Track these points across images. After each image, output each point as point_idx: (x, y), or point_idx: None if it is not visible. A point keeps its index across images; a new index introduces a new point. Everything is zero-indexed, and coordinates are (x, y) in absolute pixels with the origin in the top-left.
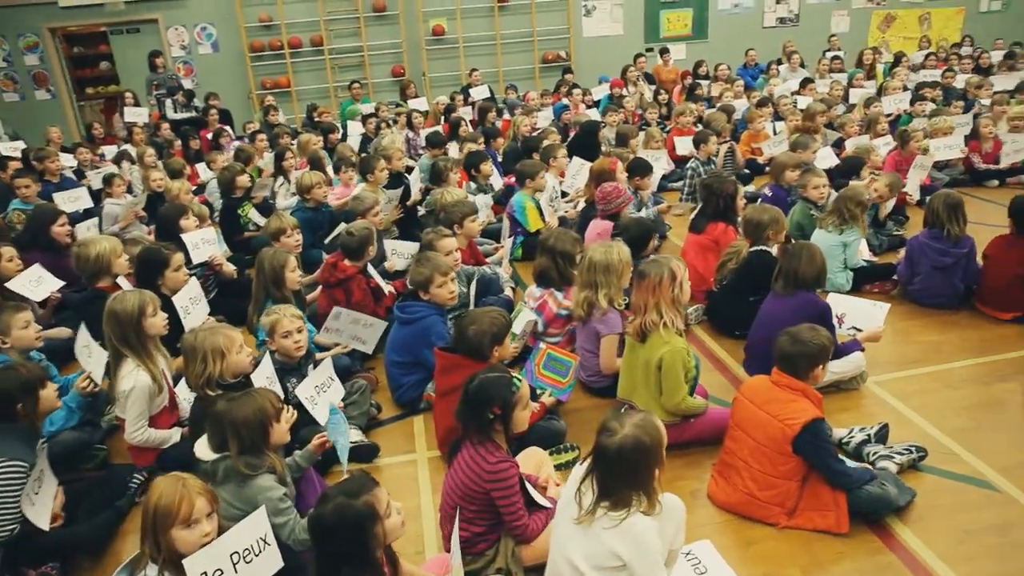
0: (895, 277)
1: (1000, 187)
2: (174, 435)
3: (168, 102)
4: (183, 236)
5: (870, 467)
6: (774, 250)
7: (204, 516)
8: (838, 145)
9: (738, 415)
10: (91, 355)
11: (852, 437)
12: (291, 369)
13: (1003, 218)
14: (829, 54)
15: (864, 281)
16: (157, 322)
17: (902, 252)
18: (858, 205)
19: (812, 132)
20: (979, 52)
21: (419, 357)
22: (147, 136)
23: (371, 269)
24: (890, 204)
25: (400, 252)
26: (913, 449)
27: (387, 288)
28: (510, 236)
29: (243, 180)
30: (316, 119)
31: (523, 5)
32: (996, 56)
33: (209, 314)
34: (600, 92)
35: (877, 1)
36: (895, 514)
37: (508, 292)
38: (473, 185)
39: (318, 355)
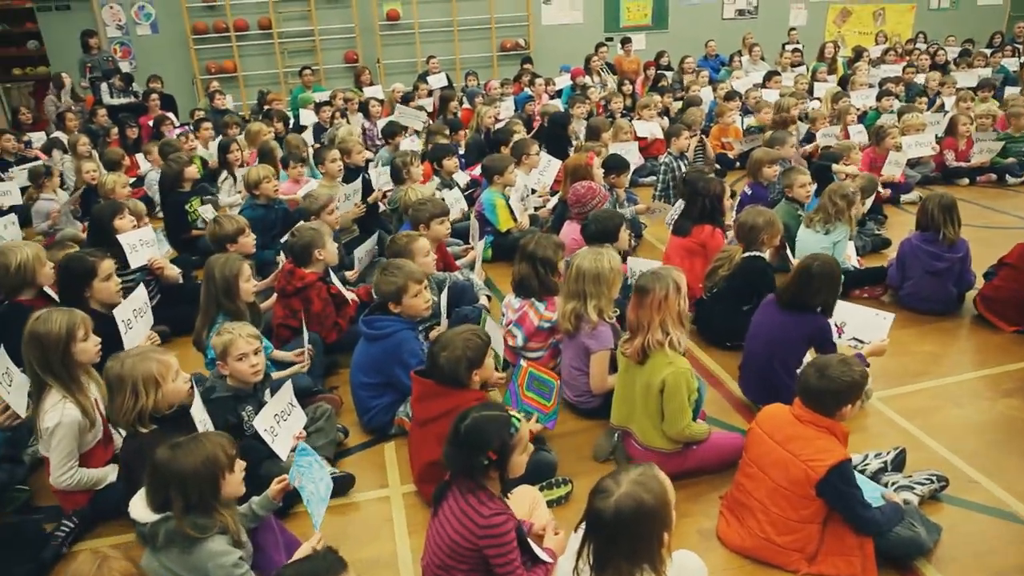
0: (885, 281)
1: (970, 185)
2: (110, 474)
3: (104, 86)
4: (119, 237)
5: (898, 502)
6: (768, 255)
7: None
8: (809, 139)
9: (754, 450)
10: (11, 382)
11: (867, 464)
12: (246, 396)
13: (978, 217)
14: (789, 47)
15: (853, 286)
16: (88, 348)
17: (890, 254)
18: (844, 198)
19: (787, 126)
20: (935, 48)
21: (390, 378)
22: (81, 123)
23: (332, 275)
24: (868, 202)
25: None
26: (934, 479)
27: (350, 296)
28: (481, 236)
29: (191, 172)
30: (267, 106)
31: None
32: (951, 53)
33: (151, 326)
34: (563, 82)
35: None
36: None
37: (483, 300)
38: (438, 180)
39: (275, 375)
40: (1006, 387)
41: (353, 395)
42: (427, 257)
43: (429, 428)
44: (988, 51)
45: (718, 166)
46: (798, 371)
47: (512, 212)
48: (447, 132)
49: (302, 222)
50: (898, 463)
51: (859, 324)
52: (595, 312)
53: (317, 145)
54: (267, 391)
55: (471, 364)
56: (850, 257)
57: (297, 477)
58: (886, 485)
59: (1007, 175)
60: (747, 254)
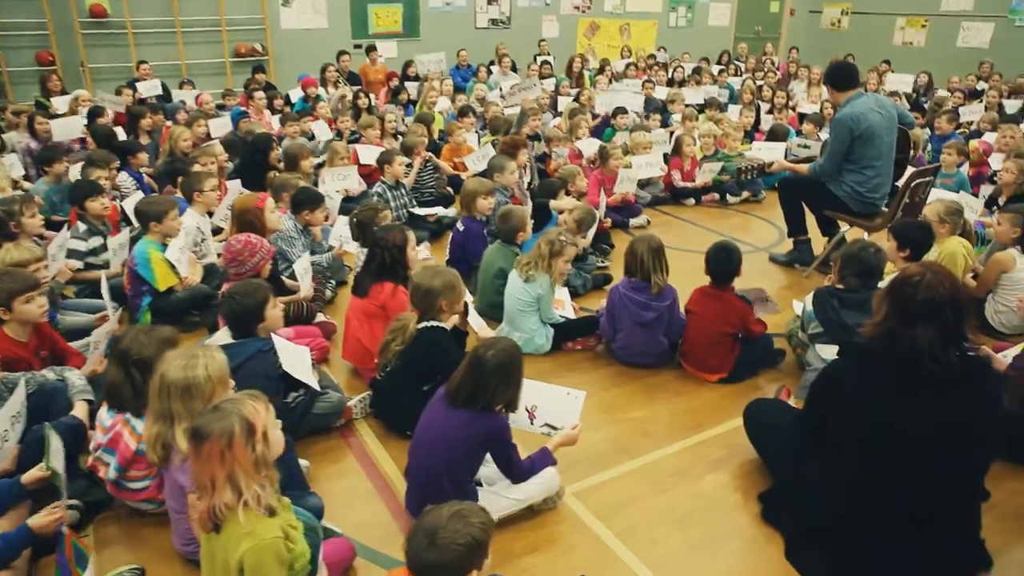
0: (598, 332)
1: (696, 205)
2: None
3: None
4: None
5: None
6: (449, 324)
7: None
8: (542, 160)
9: None
10: None
11: None
12: None
13: (702, 241)
14: (540, 59)
15: (565, 337)
16: None
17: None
18: (548, 245)
19: (516, 148)
20: (675, 63)
21: None
22: None
23: None
24: (590, 235)
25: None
26: None
27: None
28: (135, 297)
29: None
30: None
31: None
32: (688, 69)
33: None
34: (298, 94)
35: (583, 9)
36: None
37: (80, 409)
38: (83, 227)
39: None
40: (713, 457)
41: None
42: None
43: None
44: (716, 69)
45: (450, 189)
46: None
47: (174, 266)
48: (114, 161)
49: None
50: None
51: (551, 407)
52: (185, 439)
53: None
54: None
55: None
56: (562, 303)
57: None
58: None
59: (727, 195)
60: (423, 324)
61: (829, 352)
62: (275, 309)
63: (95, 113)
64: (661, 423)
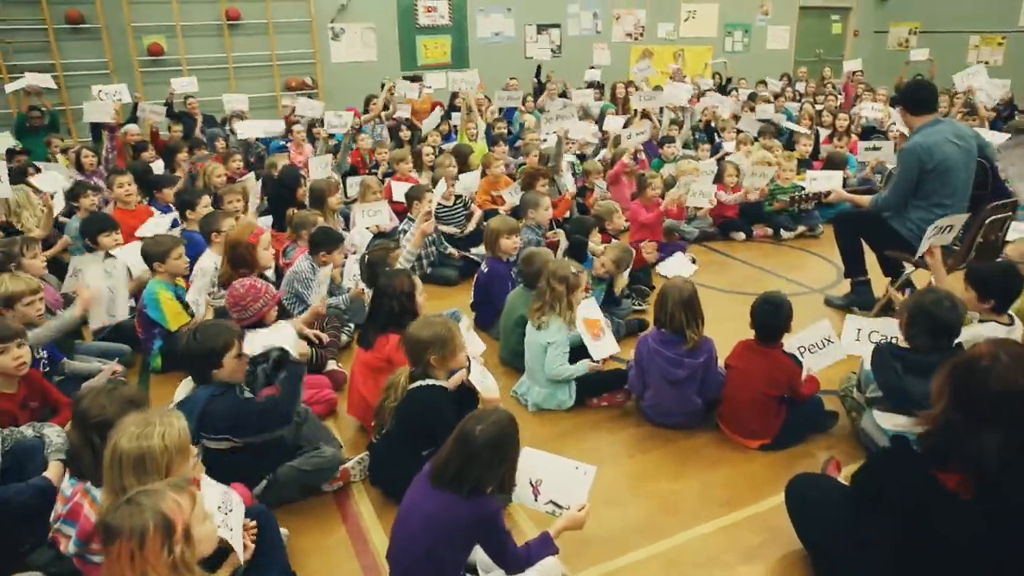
0: (627, 386)
1: (747, 240)
2: None
3: None
4: None
5: None
6: (452, 384)
7: None
8: (582, 193)
9: None
10: None
11: None
12: None
13: (753, 282)
14: (588, 79)
15: (589, 393)
16: None
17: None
18: (562, 282)
19: (534, 178)
20: (731, 89)
21: None
22: None
23: None
24: (625, 275)
25: None
26: None
27: None
28: (147, 340)
29: None
30: None
31: (258, 25)
32: (744, 95)
33: None
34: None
35: (635, 36)
36: None
37: (53, 469)
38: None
39: None
40: (748, 543)
41: None
42: None
43: None
44: (778, 86)
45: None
46: None
47: (185, 304)
48: (137, 191)
49: None
50: None
51: (557, 481)
52: None
53: None
54: None
55: None
56: (599, 325)
57: None
58: None
59: (781, 229)
60: (416, 383)
61: (888, 421)
62: (238, 360)
63: (139, 148)
64: (691, 497)
